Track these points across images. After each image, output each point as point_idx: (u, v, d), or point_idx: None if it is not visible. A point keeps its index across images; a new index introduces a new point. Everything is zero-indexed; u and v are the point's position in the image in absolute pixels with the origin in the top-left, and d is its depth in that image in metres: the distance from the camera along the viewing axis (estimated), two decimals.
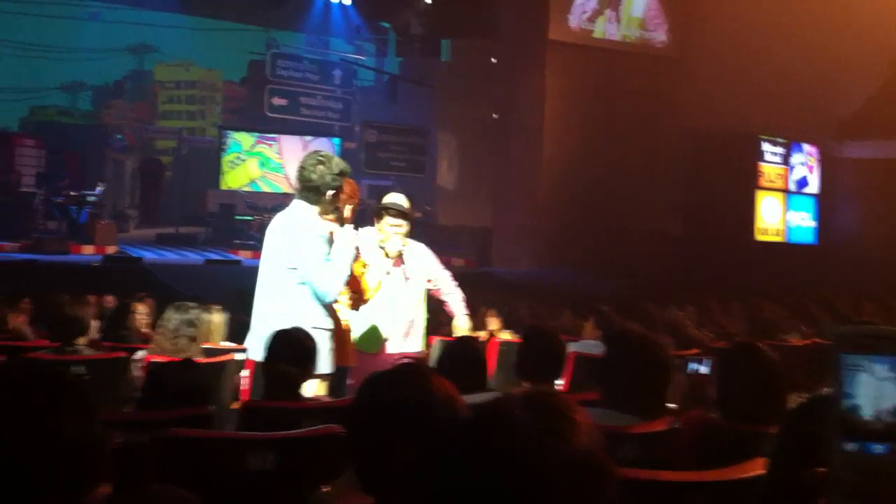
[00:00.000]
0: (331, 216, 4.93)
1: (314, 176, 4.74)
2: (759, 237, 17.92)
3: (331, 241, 4.77)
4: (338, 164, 4.84)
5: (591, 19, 19.13)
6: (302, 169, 4.80)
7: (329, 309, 4.81)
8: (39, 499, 1.74)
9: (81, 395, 1.88)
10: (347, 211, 5.21)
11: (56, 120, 46.28)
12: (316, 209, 4.80)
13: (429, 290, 5.82)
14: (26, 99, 55.01)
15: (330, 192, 4.78)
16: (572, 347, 5.43)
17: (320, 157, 4.82)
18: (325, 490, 1.94)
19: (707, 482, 2.61)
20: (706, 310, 10.22)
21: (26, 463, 1.74)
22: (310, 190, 4.77)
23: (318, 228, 4.73)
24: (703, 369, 4.68)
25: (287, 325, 4.35)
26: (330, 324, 4.80)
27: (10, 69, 58.84)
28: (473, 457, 1.19)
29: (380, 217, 5.58)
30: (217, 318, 6.12)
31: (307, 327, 4.38)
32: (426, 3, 20.91)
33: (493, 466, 1.16)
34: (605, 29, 19.34)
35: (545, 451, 1.16)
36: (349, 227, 4.96)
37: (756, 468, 2.48)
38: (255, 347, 4.71)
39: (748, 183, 17.82)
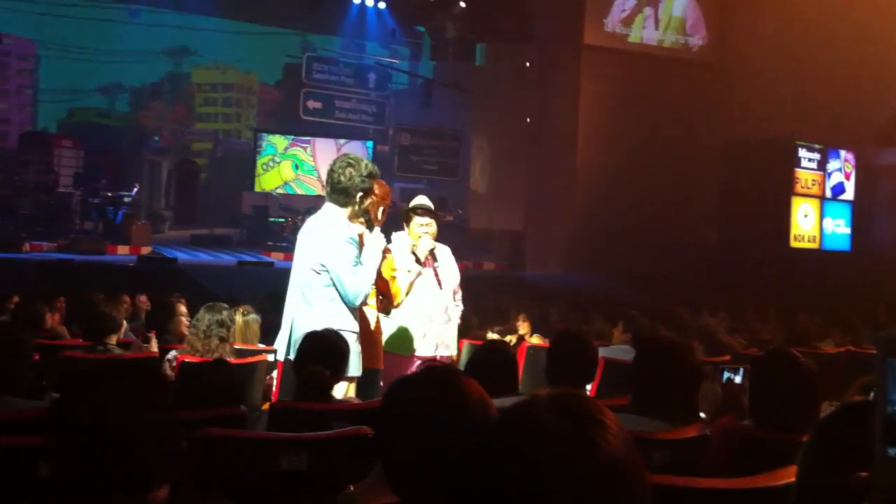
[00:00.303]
0: (361, 219, 4.94)
1: (343, 178, 4.77)
2: (794, 244, 17.71)
3: (360, 245, 4.79)
4: (367, 165, 4.85)
5: (629, 21, 19.06)
6: (331, 172, 4.83)
7: (356, 311, 4.82)
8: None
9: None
10: (379, 213, 5.23)
11: (94, 121, 46.97)
12: (346, 212, 4.82)
13: None
14: (65, 100, 55.88)
15: (359, 194, 4.80)
16: (601, 352, 5.39)
17: (349, 160, 4.84)
18: (351, 490, 1.95)
19: (738, 489, 2.58)
20: (739, 316, 10.14)
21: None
22: (339, 192, 4.79)
23: (346, 231, 4.75)
24: (738, 378, 4.62)
25: (315, 328, 4.37)
26: (356, 326, 4.80)
27: (50, 71, 59.78)
28: (500, 460, 1.18)
29: (409, 220, 5.62)
30: (252, 320, 6.18)
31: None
32: (461, 7, 20.94)
33: (520, 470, 1.15)
34: (641, 33, 19.26)
35: (575, 456, 1.15)
36: (377, 230, 4.98)
37: (789, 476, 2.44)
38: (285, 349, 4.75)
39: (784, 189, 17.60)
